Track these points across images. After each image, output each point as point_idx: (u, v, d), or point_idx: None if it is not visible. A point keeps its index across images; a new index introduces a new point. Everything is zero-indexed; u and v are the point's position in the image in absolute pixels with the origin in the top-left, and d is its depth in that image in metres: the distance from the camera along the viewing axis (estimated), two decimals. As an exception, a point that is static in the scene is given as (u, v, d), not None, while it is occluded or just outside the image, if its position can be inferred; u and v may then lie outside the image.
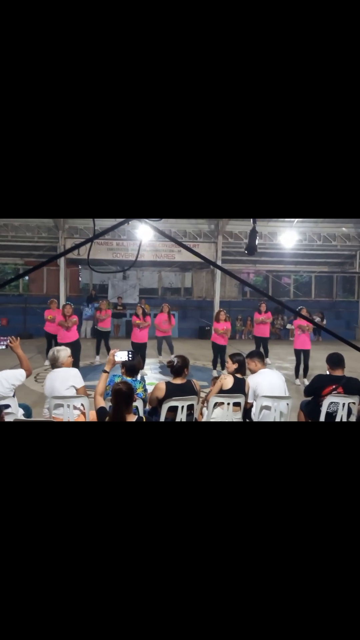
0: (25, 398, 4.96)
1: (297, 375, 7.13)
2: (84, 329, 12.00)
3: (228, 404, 3.54)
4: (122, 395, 2.62)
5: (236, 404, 3.58)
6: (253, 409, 3.73)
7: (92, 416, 3.34)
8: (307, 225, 12.21)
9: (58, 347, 3.71)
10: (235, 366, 3.73)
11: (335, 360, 3.77)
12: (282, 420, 3.59)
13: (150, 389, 3.56)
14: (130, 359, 3.31)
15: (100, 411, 2.93)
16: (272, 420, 3.54)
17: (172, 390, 3.30)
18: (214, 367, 7.65)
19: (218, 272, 12.23)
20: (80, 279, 15.33)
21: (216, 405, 3.59)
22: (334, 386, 3.67)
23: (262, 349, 7.92)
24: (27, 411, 3.71)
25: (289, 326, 12.66)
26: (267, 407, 3.61)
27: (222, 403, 3.56)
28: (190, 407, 3.33)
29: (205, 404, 3.79)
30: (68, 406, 3.35)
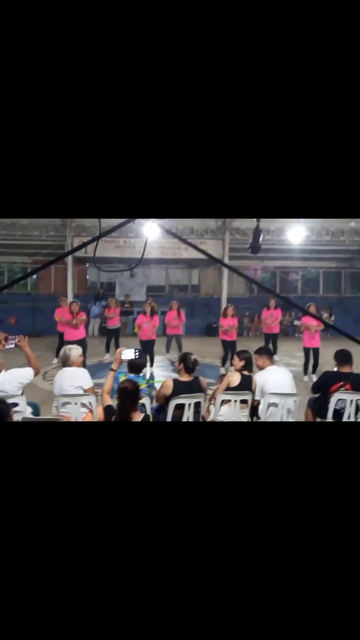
0: (33, 396, 4.99)
1: (305, 372, 7.09)
2: (92, 327, 12.05)
3: (235, 401, 3.54)
4: (128, 394, 2.63)
5: (243, 401, 3.58)
6: (260, 406, 3.72)
7: (99, 414, 3.36)
8: (314, 220, 12.11)
9: (70, 346, 3.72)
10: (242, 363, 3.72)
11: (343, 357, 3.75)
12: (290, 417, 3.58)
13: (158, 386, 3.57)
14: (137, 356, 3.32)
15: (108, 409, 2.94)
16: (279, 417, 3.53)
17: (180, 388, 3.31)
18: (223, 365, 7.64)
19: (225, 269, 12.19)
20: (87, 277, 15.38)
21: (223, 402, 3.59)
22: (341, 383, 3.65)
23: (271, 345, 7.89)
24: (36, 409, 3.74)
25: (296, 322, 12.61)
26: (275, 404, 3.60)
27: (230, 400, 3.56)
28: (198, 405, 3.33)
29: (212, 402, 3.80)
30: (76, 404, 3.37)
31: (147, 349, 7.38)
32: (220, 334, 7.62)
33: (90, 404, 3.47)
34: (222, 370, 7.23)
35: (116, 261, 12.14)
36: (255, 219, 1.42)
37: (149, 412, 3.39)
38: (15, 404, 3.21)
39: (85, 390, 3.49)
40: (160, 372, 7.52)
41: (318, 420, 3.86)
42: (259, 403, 3.74)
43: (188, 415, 3.27)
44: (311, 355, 7.00)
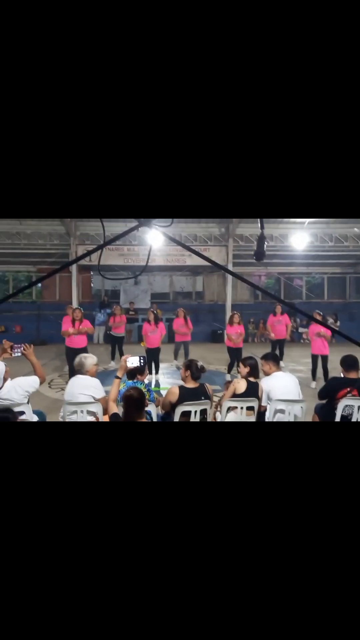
0: (39, 404, 5.00)
1: (313, 377, 7.03)
2: (97, 334, 12.06)
3: (241, 407, 3.53)
4: (133, 401, 2.63)
5: (249, 408, 3.56)
6: (267, 413, 3.70)
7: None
8: (318, 226, 12.13)
9: (85, 355, 3.74)
10: (247, 370, 3.71)
11: (349, 363, 3.73)
12: (297, 423, 3.56)
13: (164, 393, 3.56)
14: (142, 364, 3.32)
15: (114, 417, 2.93)
16: (286, 423, 3.51)
17: (186, 395, 3.30)
18: (229, 371, 7.62)
19: (229, 276, 12.20)
20: (92, 285, 15.44)
21: (229, 409, 3.58)
22: (348, 389, 3.63)
23: (277, 351, 7.85)
24: (42, 417, 3.74)
25: (301, 329, 12.56)
26: (281, 411, 3.58)
27: (236, 407, 3.55)
28: (204, 412, 3.32)
29: (218, 409, 3.78)
30: (82, 412, 3.37)
31: (152, 357, 7.37)
32: (226, 340, 7.60)
33: (96, 412, 3.47)
34: (228, 377, 7.20)
35: (120, 269, 12.18)
36: (259, 227, 1.42)
37: (154, 419, 3.37)
38: (22, 412, 3.22)
39: (96, 400, 3.49)
40: (166, 380, 7.51)
41: (325, 426, 3.83)
42: (265, 409, 3.72)
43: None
44: (319, 363, 6.92)
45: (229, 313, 10.01)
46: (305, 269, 14.21)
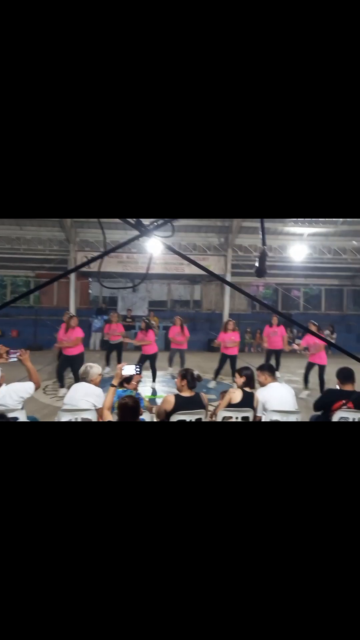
0: (34, 410, 4.97)
1: (305, 383, 7.01)
2: (93, 340, 12.05)
3: (236, 417, 3.52)
4: (128, 409, 2.62)
5: (244, 418, 3.56)
6: (262, 424, 3.70)
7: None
8: (317, 238, 12.21)
9: (91, 364, 3.79)
10: (243, 380, 3.71)
11: (345, 375, 3.74)
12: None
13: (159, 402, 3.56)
14: (138, 372, 3.32)
15: (108, 424, 2.93)
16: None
17: (181, 403, 3.30)
18: (215, 378, 7.63)
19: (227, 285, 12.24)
20: (90, 291, 15.46)
21: (224, 419, 3.57)
22: (344, 401, 3.63)
23: (274, 362, 7.85)
24: (36, 423, 3.73)
25: (297, 342, 12.58)
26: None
27: (230, 417, 3.54)
28: (198, 421, 3.31)
29: (213, 418, 3.77)
30: (76, 419, 3.36)
31: (147, 364, 7.38)
32: (222, 348, 7.62)
33: (91, 420, 3.46)
34: (212, 384, 7.20)
35: (119, 276, 12.21)
36: (259, 237, 1.43)
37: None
38: (16, 418, 3.20)
39: (96, 409, 3.51)
40: (161, 388, 7.49)
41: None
42: (260, 420, 3.72)
43: (189, 432, 3.25)
44: (315, 371, 6.90)
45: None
46: (303, 281, 14.27)
